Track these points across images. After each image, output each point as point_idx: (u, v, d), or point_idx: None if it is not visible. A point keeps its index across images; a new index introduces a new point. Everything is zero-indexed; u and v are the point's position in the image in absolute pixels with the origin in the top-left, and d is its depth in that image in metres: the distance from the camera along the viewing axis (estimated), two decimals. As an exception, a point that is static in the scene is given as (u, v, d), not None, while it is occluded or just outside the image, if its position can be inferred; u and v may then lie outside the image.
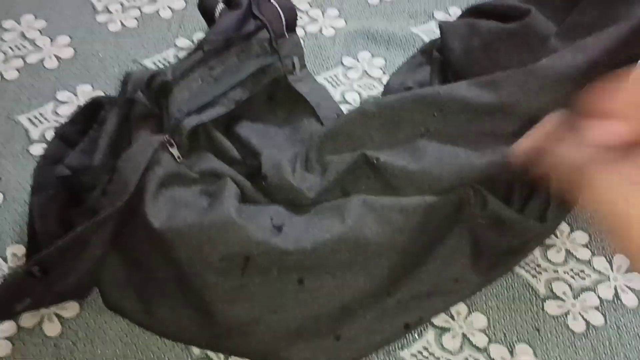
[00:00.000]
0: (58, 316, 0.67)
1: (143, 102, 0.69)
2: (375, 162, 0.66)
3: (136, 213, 0.63)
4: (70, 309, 0.67)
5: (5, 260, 0.70)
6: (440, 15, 0.98)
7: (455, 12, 0.99)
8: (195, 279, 0.62)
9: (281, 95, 0.79)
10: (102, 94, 0.86)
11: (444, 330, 0.67)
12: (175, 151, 0.67)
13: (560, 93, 0.64)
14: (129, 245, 0.65)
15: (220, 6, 0.81)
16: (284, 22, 0.79)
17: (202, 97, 0.70)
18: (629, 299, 0.70)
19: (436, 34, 0.94)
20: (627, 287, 0.70)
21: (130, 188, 0.62)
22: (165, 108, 0.69)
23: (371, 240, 0.62)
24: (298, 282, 0.62)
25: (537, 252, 0.73)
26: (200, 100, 0.70)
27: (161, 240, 0.62)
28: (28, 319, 0.66)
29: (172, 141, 0.67)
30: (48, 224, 0.68)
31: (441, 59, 0.82)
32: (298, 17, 0.86)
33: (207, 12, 0.82)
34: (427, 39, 0.94)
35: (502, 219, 0.68)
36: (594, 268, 0.72)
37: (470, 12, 0.82)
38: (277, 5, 0.79)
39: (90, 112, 0.75)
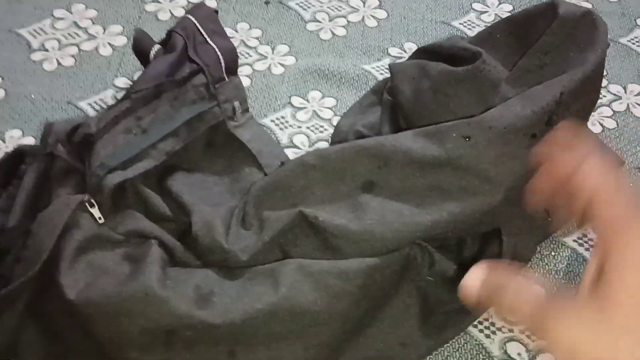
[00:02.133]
0: (-31, 393, 0.61)
1: (64, 157, 0.64)
2: (314, 220, 0.61)
3: (51, 282, 0.58)
4: (-16, 384, 0.62)
5: None
6: (395, 52, 0.94)
7: (410, 47, 0.95)
8: (116, 355, 0.57)
9: (221, 142, 0.75)
10: (32, 140, 0.80)
11: (391, 399, 0.62)
12: (96, 212, 0.61)
13: (508, 145, 0.60)
14: (46, 315, 0.60)
15: (156, 47, 0.76)
16: (223, 65, 0.75)
17: (128, 150, 0.65)
18: (587, 361, 0.65)
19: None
20: (586, 347, 0.66)
21: (43, 255, 0.57)
22: (87, 164, 0.64)
23: (307, 308, 0.57)
24: (229, 354, 0.57)
25: (491, 309, 0.68)
26: (125, 154, 0.65)
27: (78, 312, 0.57)
28: None
29: (92, 201, 0.62)
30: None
31: (391, 101, 0.78)
32: (245, 55, 0.82)
33: (141, 54, 0.77)
34: (380, 77, 0.90)
35: (450, 278, 0.63)
36: (551, 326, 0.68)
37: (421, 53, 0.79)
38: (215, 47, 0.74)
39: (12, 164, 0.70)
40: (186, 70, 0.71)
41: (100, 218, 0.62)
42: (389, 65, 0.78)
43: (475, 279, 0.38)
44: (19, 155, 0.70)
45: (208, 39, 0.75)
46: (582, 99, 0.64)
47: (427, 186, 0.62)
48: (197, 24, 0.75)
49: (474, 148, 0.60)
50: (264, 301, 0.57)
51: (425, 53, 0.78)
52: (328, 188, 0.65)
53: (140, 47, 0.77)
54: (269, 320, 0.57)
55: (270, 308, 0.57)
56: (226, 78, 0.75)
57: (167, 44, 0.77)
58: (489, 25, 0.77)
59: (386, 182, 0.63)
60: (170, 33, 0.76)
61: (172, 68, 0.70)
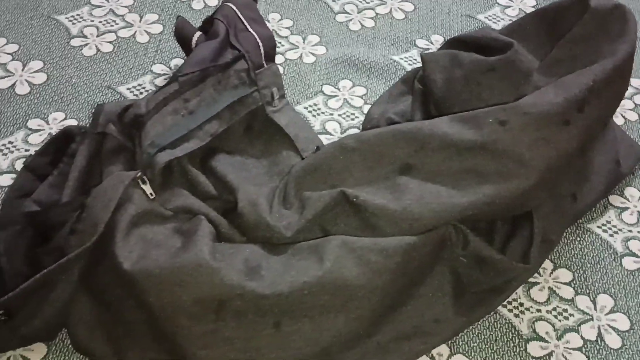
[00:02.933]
0: (24, 358, 0.64)
1: (115, 136, 0.66)
2: (354, 200, 0.64)
3: (105, 253, 0.61)
4: (37, 351, 0.64)
5: (-32, 299, 0.67)
6: (422, 43, 0.97)
7: (437, 39, 0.98)
8: (167, 323, 0.59)
9: (259, 127, 0.77)
10: (74, 122, 0.83)
11: (424, 372, 0.65)
12: (147, 188, 0.64)
13: (542, 131, 0.63)
14: (99, 285, 0.63)
15: (197, 34, 0.79)
16: (262, 52, 0.77)
17: (177, 130, 0.68)
18: (612, 340, 0.68)
19: (418, 62, 0.93)
20: (610, 327, 0.69)
21: (99, 227, 0.60)
22: (138, 142, 0.66)
23: (350, 283, 0.60)
24: (274, 326, 0.60)
25: (520, 290, 0.71)
26: (174, 134, 0.67)
27: (131, 282, 0.60)
28: (-9, 363, 0.63)
29: (145, 177, 0.64)
30: (14, 261, 0.65)
31: (423, 89, 0.81)
32: (278, 44, 0.85)
33: (183, 41, 0.80)
34: (408, 67, 0.93)
35: (484, 258, 0.66)
36: (577, 307, 0.71)
37: (452, 43, 0.81)
38: (255, 35, 0.77)
39: (61, 143, 0.73)
40: (228, 56, 0.74)
41: (151, 194, 0.64)
42: (421, 55, 0.81)
43: None
44: (68, 135, 0.73)
45: (248, 27, 0.78)
46: (612, 89, 0.66)
47: (463, 169, 0.65)
48: (238, 12, 0.78)
49: (510, 133, 0.63)
50: (310, 274, 0.60)
51: (456, 43, 0.80)
52: (366, 170, 0.67)
53: (182, 34, 0.80)
54: (314, 292, 0.59)
55: (316, 281, 0.59)
56: (265, 64, 0.77)
57: (207, 31, 0.79)
58: (513, 19, 0.79)
59: (423, 164, 0.66)
60: (212, 20, 0.78)
61: (215, 53, 0.73)
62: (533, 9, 1.01)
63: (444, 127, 0.66)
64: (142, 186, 0.64)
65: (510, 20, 1.00)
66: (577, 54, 0.68)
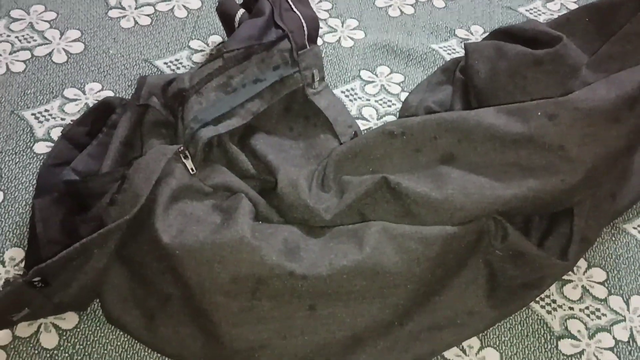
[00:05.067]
0: (56, 327, 0.64)
1: (157, 109, 0.66)
2: (396, 187, 0.63)
3: (145, 226, 0.61)
4: (69, 320, 0.64)
5: (3, 264, 0.67)
6: (462, 33, 0.96)
7: (477, 30, 0.97)
8: (203, 299, 0.59)
9: (298, 108, 0.77)
10: (110, 93, 0.83)
11: (455, 364, 0.65)
12: (189, 163, 0.64)
13: (592, 127, 0.62)
14: (135, 258, 0.62)
15: (240, 12, 0.78)
16: (305, 33, 0.76)
17: (220, 107, 0.67)
18: (645, 342, 0.68)
19: (457, 52, 0.92)
20: (643, 329, 0.69)
21: (141, 199, 0.60)
22: (181, 117, 0.66)
23: (388, 269, 0.60)
24: (309, 308, 0.60)
25: (553, 287, 0.71)
26: (217, 110, 0.67)
27: (169, 256, 0.59)
28: (25, 329, 0.63)
29: (187, 152, 0.64)
30: (50, 229, 0.65)
31: (464, 80, 0.80)
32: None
33: (226, 17, 0.80)
34: (447, 57, 0.92)
35: (521, 252, 0.65)
36: (610, 307, 0.70)
37: (497, 34, 0.80)
38: (299, 15, 0.76)
39: (100, 114, 0.73)
40: (273, 35, 0.73)
41: (192, 169, 0.64)
42: (465, 44, 0.79)
43: None
44: (107, 106, 0.73)
45: (293, 6, 0.77)
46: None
47: (508, 162, 0.64)
48: (282, -9, 0.77)
49: (558, 127, 0.62)
50: (349, 258, 0.59)
51: (501, 34, 0.79)
52: (407, 157, 0.67)
53: (225, 11, 0.79)
54: (352, 277, 0.59)
55: (355, 265, 0.59)
56: (307, 46, 0.77)
57: (250, 8, 0.79)
58: (554, 13, 0.78)
59: (466, 155, 0.65)
60: (256, -2, 0.78)
61: (261, 32, 0.72)
62: (575, 4, 1.00)
63: (490, 118, 0.65)
64: (184, 161, 0.64)
65: (551, 14, 0.98)
66: (629, 51, 0.67)
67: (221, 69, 0.69)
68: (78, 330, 0.64)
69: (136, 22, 0.92)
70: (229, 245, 0.58)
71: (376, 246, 0.60)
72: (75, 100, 0.82)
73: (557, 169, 0.62)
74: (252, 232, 0.59)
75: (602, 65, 0.68)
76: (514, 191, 0.62)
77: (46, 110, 0.81)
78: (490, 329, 0.67)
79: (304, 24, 0.76)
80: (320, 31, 0.93)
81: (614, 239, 0.75)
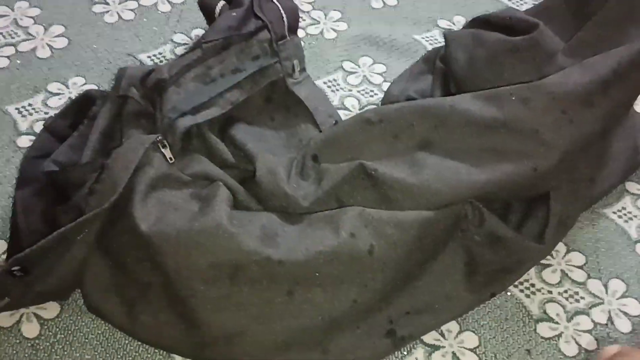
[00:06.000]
0: (37, 316, 0.64)
1: (136, 100, 0.67)
2: (373, 172, 0.64)
3: (123, 214, 0.61)
4: (50, 309, 0.65)
5: (-15, 255, 0.68)
6: (444, 24, 0.97)
7: (459, 20, 0.97)
8: (181, 286, 0.60)
9: (278, 98, 0.77)
10: (94, 87, 0.83)
11: (434, 348, 0.65)
12: (167, 152, 0.64)
13: (566, 112, 0.63)
14: (114, 246, 0.63)
15: (221, 3, 0.79)
16: (285, 23, 0.77)
17: (198, 97, 0.68)
18: (622, 324, 0.68)
19: (439, 42, 0.93)
20: (621, 312, 0.69)
21: (119, 188, 0.60)
22: (159, 107, 0.67)
23: (365, 254, 0.60)
24: (287, 293, 0.60)
25: (532, 271, 0.71)
26: (195, 100, 0.68)
27: (148, 244, 0.60)
28: (6, 318, 0.64)
29: (165, 141, 0.65)
30: (32, 219, 0.66)
31: (444, 69, 0.81)
32: (299, 19, 0.84)
33: (206, 9, 0.80)
34: (429, 47, 0.93)
35: (498, 237, 0.66)
36: (589, 291, 0.71)
37: (476, 23, 0.81)
38: (279, 5, 0.77)
39: (81, 106, 0.73)
40: (252, 26, 0.74)
41: (171, 158, 0.65)
42: (444, 33, 0.80)
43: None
44: (88, 98, 0.74)
45: (272, -3, 0.77)
46: (637, 72, 0.66)
47: (483, 147, 0.65)
48: (262, -18, 0.78)
49: (532, 111, 0.63)
50: (326, 244, 0.60)
51: (480, 23, 0.80)
52: (385, 144, 0.67)
53: (206, 2, 0.80)
54: (329, 262, 0.60)
55: (331, 250, 0.59)
56: (287, 36, 0.77)
57: (231, 0, 0.79)
58: (537, 1, 0.79)
59: (443, 141, 0.66)
60: (236, -11, 0.78)
61: (239, 22, 0.73)
62: (557, -6, 1.01)
63: (466, 103, 0.66)
64: (162, 150, 0.64)
65: (534, 3, 0.99)
66: (603, 36, 0.68)
67: (200, 60, 0.69)
68: (59, 319, 0.64)
69: (120, 17, 0.93)
70: (206, 232, 0.59)
71: (352, 231, 0.61)
72: (58, 94, 0.83)
73: (532, 153, 0.63)
74: (229, 219, 0.60)
75: (577, 51, 0.68)
76: (489, 176, 0.63)
77: (30, 105, 0.81)
78: (469, 312, 0.68)
79: (284, 15, 0.77)
80: (304, 23, 0.94)
81: (593, 223, 0.76)
